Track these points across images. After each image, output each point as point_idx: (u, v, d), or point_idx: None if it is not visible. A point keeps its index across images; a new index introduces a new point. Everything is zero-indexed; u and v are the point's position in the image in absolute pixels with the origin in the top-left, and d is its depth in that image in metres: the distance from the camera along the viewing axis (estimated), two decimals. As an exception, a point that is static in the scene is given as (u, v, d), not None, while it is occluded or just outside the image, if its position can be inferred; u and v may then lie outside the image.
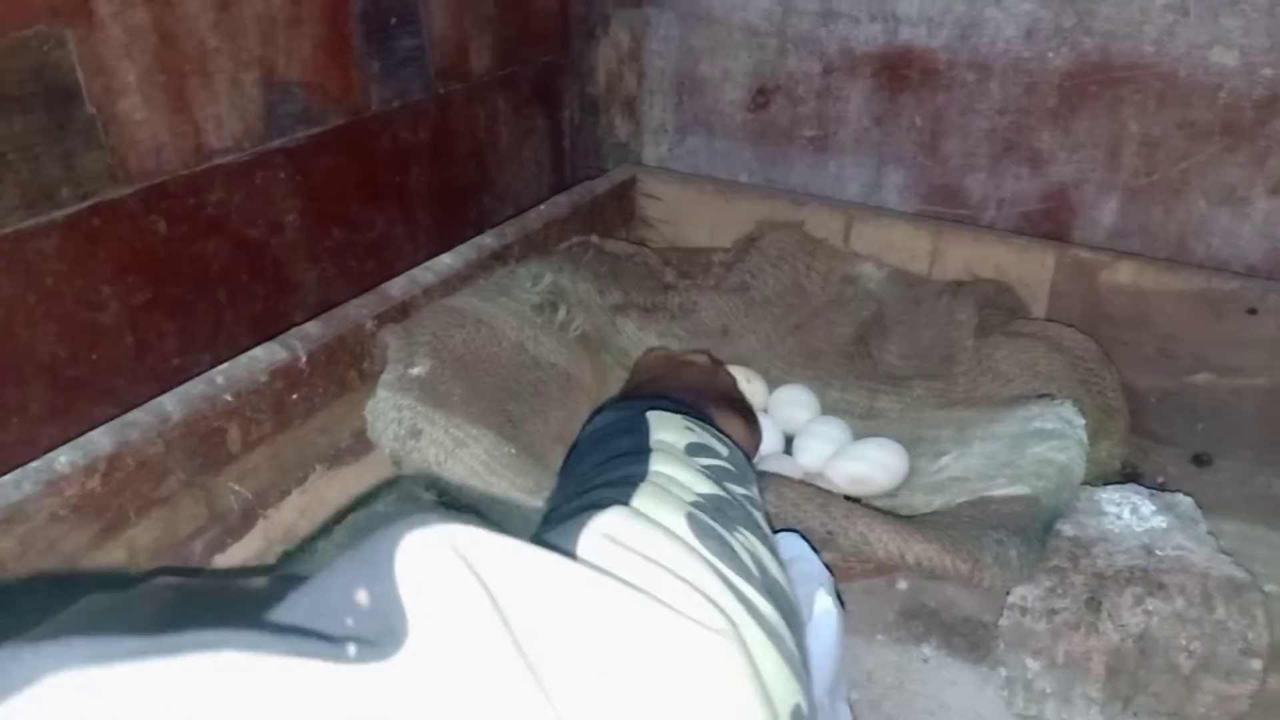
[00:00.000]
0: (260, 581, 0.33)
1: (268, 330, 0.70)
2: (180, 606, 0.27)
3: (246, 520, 0.65)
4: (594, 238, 0.95)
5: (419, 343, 0.71)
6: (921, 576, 0.62)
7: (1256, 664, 0.58)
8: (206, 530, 0.63)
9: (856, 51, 0.98)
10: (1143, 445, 0.84)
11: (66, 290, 0.64)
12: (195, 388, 0.62)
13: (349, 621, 0.22)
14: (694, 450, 0.45)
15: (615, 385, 0.83)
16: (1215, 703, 0.59)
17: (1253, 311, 0.81)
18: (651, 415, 0.48)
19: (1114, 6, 0.85)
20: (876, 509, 0.63)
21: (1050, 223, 0.95)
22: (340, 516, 0.67)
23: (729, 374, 0.74)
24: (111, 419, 0.59)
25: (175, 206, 0.70)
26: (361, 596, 0.23)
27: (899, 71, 0.97)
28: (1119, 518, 0.66)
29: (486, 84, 0.99)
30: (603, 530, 0.32)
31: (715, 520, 0.37)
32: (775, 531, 0.45)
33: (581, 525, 0.32)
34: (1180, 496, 0.68)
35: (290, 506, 0.67)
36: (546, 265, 0.85)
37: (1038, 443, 0.70)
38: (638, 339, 0.85)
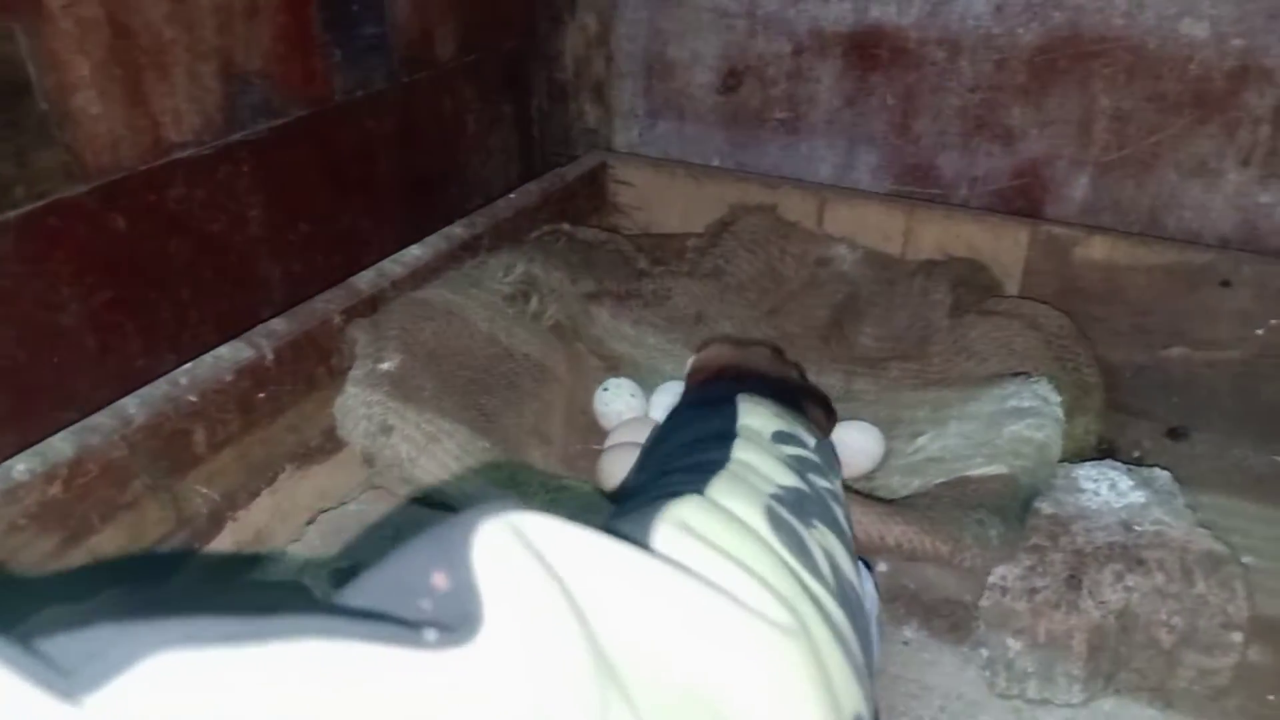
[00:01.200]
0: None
1: (234, 328, 0.68)
2: (244, 592, 0.27)
3: (215, 523, 0.64)
4: (565, 225, 0.94)
5: (388, 337, 0.70)
6: (901, 559, 0.62)
7: (1237, 637, 0.58)
8: (174, 535, 0.61)
9: (826, 31, 0.97)
10: (1118, 420, 0.84)
11: (24, 292, 0.62)
12: (159, 389, 0.61)
13: (424, 604, 0.23)
14: (780, 438, 0.44)
15: (590, 375, 0.82)
16: (1197, 676, 0.59)
17: (1226, 284, 0.81)
18: (741, 400, 0.47)
19: (1083, -20, 0.84)
20: (855, 491, 0.63)
21: (1023, 200, 0.94)
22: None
23: (796, 366, 0.73)
24: (73, 423, 0.57)
25: (135, 203, 0.69)
26: (439, 580, 0.23)
27: (869, 50, 0.96)
28: (1097, 494, 0.66)
29: (452, 71, 0.97)
30: (677, 520, 0.32)
31: (793, 515, 0.36)
32: None
33: (656, 514, 0.32)
34: (1158, 471, 0.68)
35: (260, 508, 0.66)
36: (518, 255, 0.84)
37: (1014, 421, 0.70)
38: (611, 327, 0.84)
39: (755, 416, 0.46)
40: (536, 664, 0.22)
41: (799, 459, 0.43)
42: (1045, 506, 0.64)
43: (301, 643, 0.19)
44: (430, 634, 0.21)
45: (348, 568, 0.61)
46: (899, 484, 0.69)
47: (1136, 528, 0.62)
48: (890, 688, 0.62)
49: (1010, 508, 0.62)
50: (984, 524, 0.60)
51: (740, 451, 0.41)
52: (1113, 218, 0.91)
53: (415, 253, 0.80)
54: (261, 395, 0.66)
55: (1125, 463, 0.69)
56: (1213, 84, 0.83)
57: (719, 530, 0.32)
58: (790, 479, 0.40)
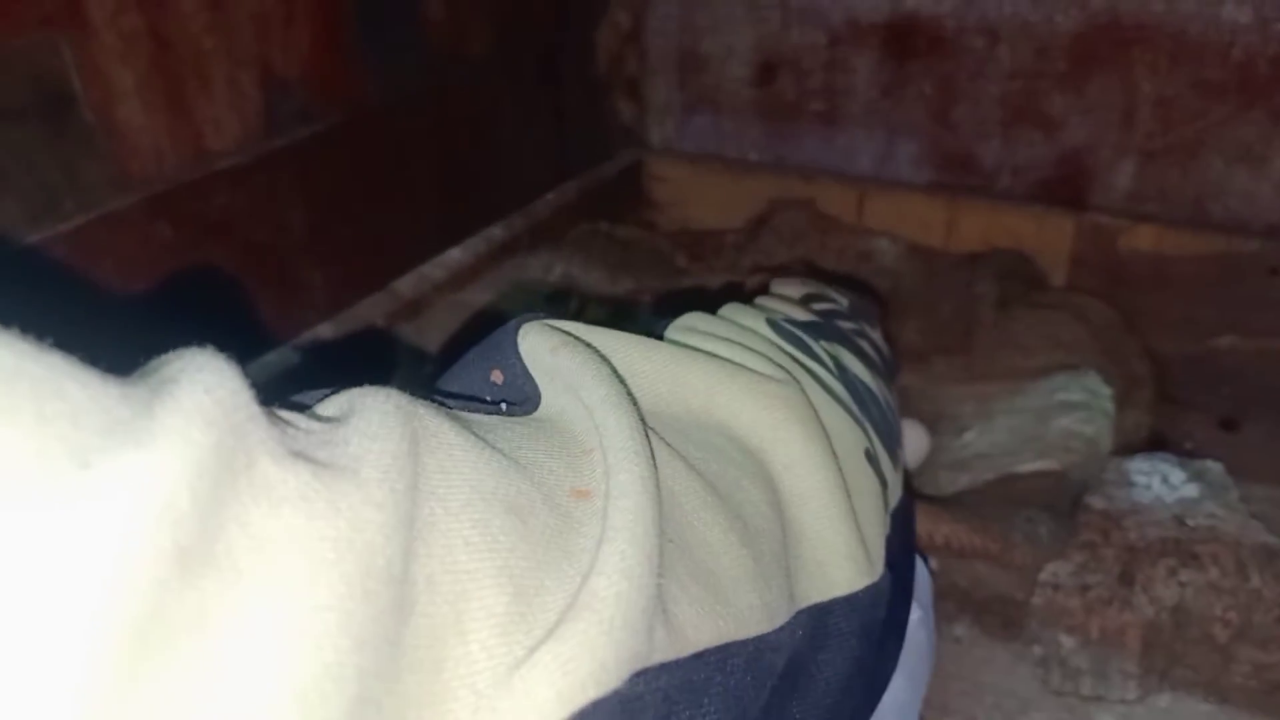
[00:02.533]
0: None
1: (279, 333, 0.69)
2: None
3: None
4: (603, 224, 0.94)
5: (432, 340, 0.70)
6: (951, 556, 0.62)
7: (1294, 632, 0.57)
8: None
9: (862, 21, 0.96)
10: (1169, 412, 0.83)
11: (75, 302, 0.63)
12: (208, 398, 0.62)
13: (488, 397, 0.28)
14: (810, 299, 0.48)
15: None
16: (1252, 672, 0.58)
17: (1275, 272, 0.80)
18: (775, 281, 0.52)
19: (1123, -35, 0.83)
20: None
21: (1066, 188, 0.93)
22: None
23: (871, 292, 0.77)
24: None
25: (180, 213, 0.69)
26: (495, 376, 0.28)
27: (906, 40, 0.95)
28: (1149, 488, 0.65)
29: (486, 70, 0.98)
30: (682, 324, 0.37)
31: (798, 329, 0.40)
32: None
33: (662, 324, 0.37)
34: (1210, 463, 0.67)
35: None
36: (557, 255, 0.84)
37: (1063, 415, 0.69)
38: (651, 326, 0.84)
39: (785, 287, 0.50)
40: (595, 416, 0.26)
41: (825, 310, 0.47)
42: (1096, 501, 0.63)
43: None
44: (503, 405, 0.28)
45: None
46: (946, 480, 0.69)
47: (1189, 522, 0.62)
48: (943, 686, 0.62)
49: (1061, 504, 0.61)
50: (1034, 521, 0.59)
51: (760, 300, 0.45)
52: (1158, 206, 0.89)
53: (456, 255, 0.81)
54: (310, 402, 0.66)
55: (1177, 455, 0.68)
56: (1257, 70, 0.81)
57: (718, 327, 0.37)
58: (806, 315, 0.44)
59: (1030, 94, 0.91)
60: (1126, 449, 0.73)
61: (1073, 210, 0.89)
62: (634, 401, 0.27)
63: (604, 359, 0.28)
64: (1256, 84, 0.81)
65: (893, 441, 0.42)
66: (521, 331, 0.28)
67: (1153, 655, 0.59)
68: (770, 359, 0.35)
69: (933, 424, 0.75)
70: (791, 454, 0.32)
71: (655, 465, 0.25)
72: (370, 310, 0.72)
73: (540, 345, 0.28)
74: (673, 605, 0.24)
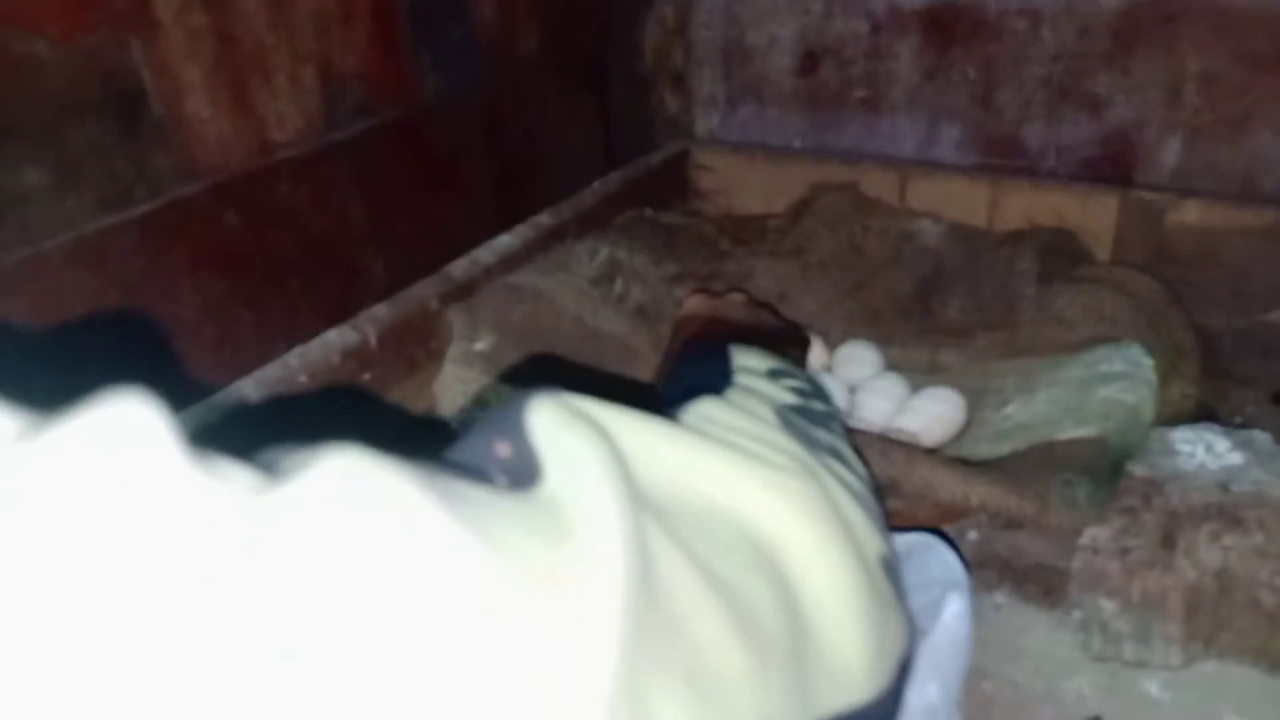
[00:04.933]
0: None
1: (340, 316, 0.72)
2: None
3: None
4: (648, 211, 0.96)
5: (482, 319, 0.73)
6: (987, 520, 0.62)
7: (1341, 595, 0.56)
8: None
9: (904, 8, 0.97)
10: (1220, 387, 0.82)
11: (146, 285, 0.67)
12: (272, 371, 0.65)
13: (493, 470, 0.27)
14: (776, 374, 0.48)
15: (676, 353, 0.83)
16: (1301, 637, 0.58)
17: (1327, 242, 0.79)
18: (732, 347, 0.51)
19: (1165, -60, 0.83)
20: (939, 455, 0.63)
21: (1112, 167, 0.93)
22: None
23: (769, 308, 0.76)
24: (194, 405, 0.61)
25: (245, 200, 0.73)
26: (501, 449, 0.28)
27: (947, 25, 0.95)
28: (1192, 456, 0.65)
29: (535, 68, 1.00)
30: (698, 412, 0.37)
31: (798, 417, 0.40)
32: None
33: (679, 412, 0.37)
34: (1257, 433, 0.66)
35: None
36: (602, 240, 0.86)
37: (1104, 385, 0.69)
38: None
39: (749, 358, 0.49)
40: (586, 501, 0.26)
41: (797, 389, 0.46)
42: (1138, 469, 0.63)
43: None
44: (502, 480, 0.27)
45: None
46: (988, 450, 0.69)
47: (1234, 488, 0.61)
48: (984, 653, 0.62)
49: (1100, 469, 0.62)
50: (1071, 484, 0.60)
51: (743, 379, 0.45)
52: (1207, 181, 0.88)
53: (505, 241, 0.83)
54: (367, 376, 0.69)
55: (1225, 427, 0.68)
56: (1305, 39, 0.81)
57: (735, 418, 0.37)
58: (793, 399, 0.43)
59: (1075, 74, 0.91)
60: (1174, 421, 0.72)
61: (1118, 187, 0.89)
62: (628, 486, 0.26)
63: (607, 439, 0.28)
64: (1302, 54, 0.81)
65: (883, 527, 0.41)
66: (532, 406, 0.28)
67: (1197, 620, 0.59)
68: (790, 454, 0.35)
69: (975, 399, 0.76)
70: (808, 553, 0.31)
71: (643, 555, 0.25)
72: (425, 291, 0.74)
73: (548, 421, 0.28)
74: (656, 707, 0.24)
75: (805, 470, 0.34)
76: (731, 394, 0.42)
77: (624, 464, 0.27)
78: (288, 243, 0.77)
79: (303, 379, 0.65)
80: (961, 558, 0.57)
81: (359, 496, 0.21)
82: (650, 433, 0.30)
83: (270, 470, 0.22)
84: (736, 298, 0.75)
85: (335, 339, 0.68)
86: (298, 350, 0.67)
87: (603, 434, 0.28)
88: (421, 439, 0.70)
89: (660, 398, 0.54)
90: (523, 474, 0.27)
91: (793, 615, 0.30)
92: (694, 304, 0.74)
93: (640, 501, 0.27)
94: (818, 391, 0.48)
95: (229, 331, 0.73)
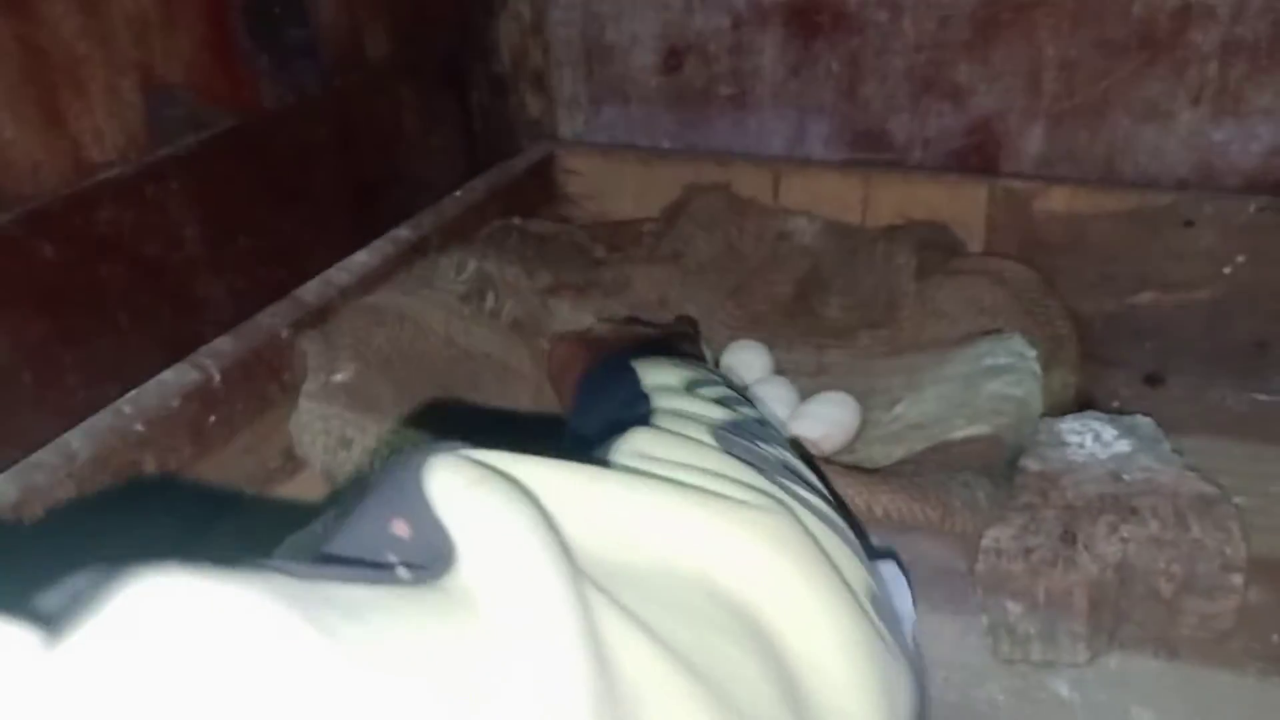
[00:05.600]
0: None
1: (178, 352, 0.65)
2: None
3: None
4: (516, 220, 0.92)
5: (340, 347, 0.67)
6: (891, 528, 0.60)
7: (1237, 579, 0.57)
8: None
9: (764, 2, 0.95)
10: (1093, 370, 0.83)
11: (-53, 331, 0.59)
12: (103, 420, 0.58)
13: (390, 557, 0.22)
14: (694, 385, 0.42)
15: (554, 369, 0.79)
16: (1199, 623, 0.58)
17: (1189, 224, 0.81)
18: (635, 363, 0.45)
19: (1020, -71, 0.83)
20: (838, 463, 0.61)
21: (978, 157, 0.93)
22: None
23: (640, 321, 0.72)
24: (14, 463, 0.54)
25: (61, 229, 0.65)
26: (399, 528, 0.22)
27: (809, 18, 0.94)
28: (1082, 446, 0.64)
29: (386, 71, 0.94)
30: (631, 450, 0.30)
31: (739, 435, 0.34)
32: None
33: (609, 449, 0.30)
34: (1140, 418, 0.67)
35: (221, 535, 0.63)
36: (469, 253, 0.81)
37: (991, 379, 0.68)
38: (573, 320, 0.81)
39: (658, 374, 0.43)
40: (515, 586, 0.21)
41: (722, 399, 0.41)
42: (1031, 463, 0.63)
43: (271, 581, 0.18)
44: (402, 572, 0.21)
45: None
46: (881, 454, 0.68)
47: (1126, 477, 0.61)
48: (891, 663, 0.60)
49: (996, 468, 0.61)
50: (971, 486, 0.58)
51: (662, 401, 0.39)
52: (1069, 168, 0.90)
53: (362, 259, 0.77)
54: (212, 419, 0.63)
55: (1105, 413, 0.68)
56: (1157, 25, 0.82)
57: (676, 449, 0.31)
58: (722, 413, 0.38)
59: (937, 65, 0.91)
60: (1056, 409, 0.72)
61: (986, 177, 0.89)
62: (566, 562, 0.22)
63: (530, 499, 0.23)
64: (1158, 40, 0.82)
65: (854, 539, 0.35)
66: (428, 468, 0.23)
67: (1100, 614, 0.58)
68: (746, 484, 0.29)
69: (864, 399, 0.74)
70: (795, 606, 0.26)
71: (598, 652, 0.20)
72: (273, 319, 0.68)
73: (452, 485, 0.22)
74: None
75: (771, 502, 0.28)
76: (658, 419, 0.35)
77: (556, 530, 0.22)
78: (114, 273, 0.69)
79: (139, 427, 0.58)
80: (896, 558, 0.55)
81: (185, 635, 0.16)
82: (582, 485, 0.25)
83: (64, 605, 0.17)
84: (600, 327, 0.71)
85: (173, 379, 0.61)
86: (131, 395, 0.59)
87: (524, 494, 0.23)
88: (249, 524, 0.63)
89: (573, 438, 0.49)
90: (429, 557, 0.21)
91: (785, 687, 0.25)
92: (561, 350, 0.68)
93: (582, 578, 0.22)
94: (741, 396, 0.43)
95: (50, 377, 0.65)
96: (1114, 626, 0.59)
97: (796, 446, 0.43)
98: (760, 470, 0.31)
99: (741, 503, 0.27)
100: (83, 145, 0.66)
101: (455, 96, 1.06)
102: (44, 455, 0.55)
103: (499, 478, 0.23)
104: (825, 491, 0.35)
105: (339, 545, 0.22)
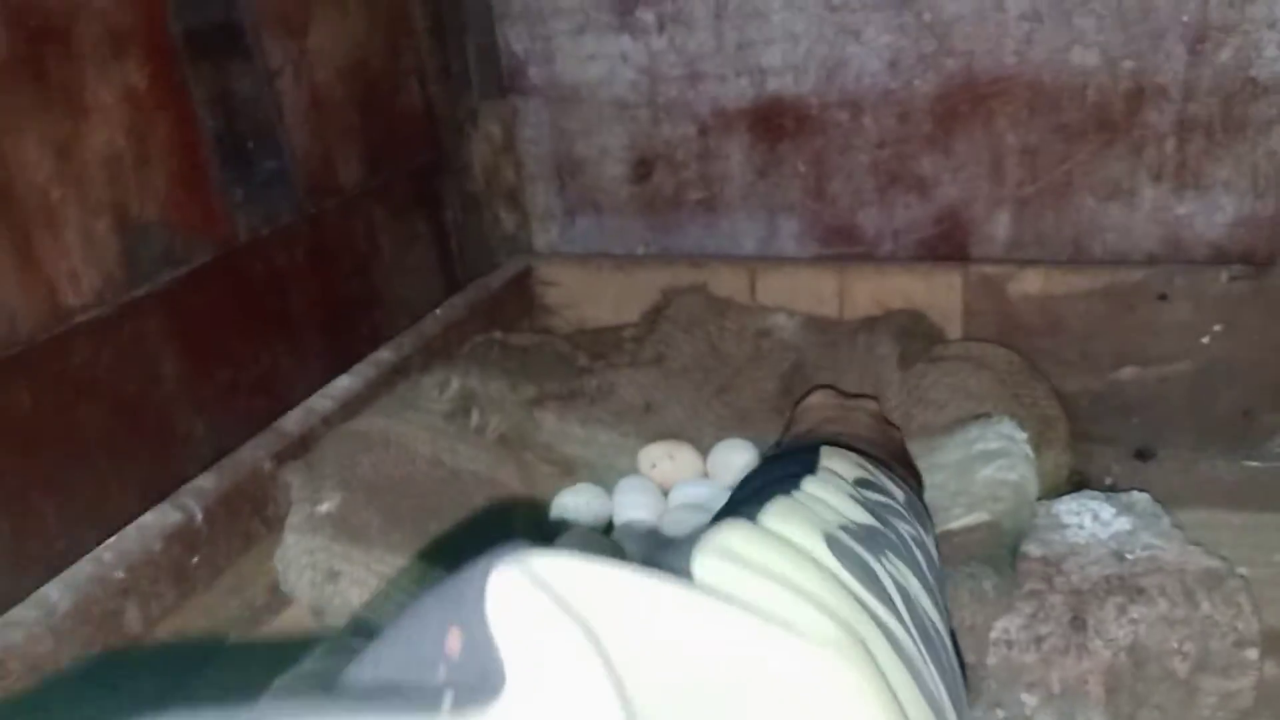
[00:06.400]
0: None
1: (159, 491, 0.64)
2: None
3: (160, 705, 0.58)
4: (497, 334, 0.92)
5: (324, 476, 0.66)
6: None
7: (1252, 653, 0.55)
8: (114, 726, 0.56)
9: (729, 109, 0.98)
10: (1084, 449, 0.83)
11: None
12: (82, 570, 0.56)
13: (441, 671, 0.21)
14: (862, 484, 0.42)
15: (542, 483, 0.78)
16: (1219, 702, 0.56)
17: (1163, 297, 0.82)
18: (825, 448, 0.45)
19: (971, 25, 0.86)
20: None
21: (947, 245, 0.94)
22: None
23: (898, 430, 0.72)
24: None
25: (36, 374, 0.64)
26: (453, 643, 0.21)
27: (773, 122, 0.96)
28: (1081, 527, 0.64)
29: (360, 195, 0.95)
30: (719, 548, 0.29)
31: (861, 546, 0.34)
32: None
33: (698, 544, 0.29)
34: (1136, 494, 0.66)
35: (208, 680, 0.61)
36: (452, 370, 0.81)
37: (985, 465, 0.68)
38: (559, 430, 0.81)
39: (839, 463, 0.44)
40: None
41: (880, 504, 0.40)
42: (1033, 548, 0.62)
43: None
44: (447, 698, 0.20)
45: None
46: (880, 548, 0.67)
47: (1129, 556, 0.60)
48: (908, 767, 0.58)
49: (999, 555, 0.60)
50: (976, 576, 0.57)
51: (811, 486, 0.38)
52: (1039, 250, 0.91)
53: (344, 384, 0.77)
54: (195, 560, 0.61)
55: (1100, 491, 0.68)
56: (1112, 108, 0.84)
57: (767, 554, 0.30)
58: (864, 517, 0.37)
59: (900, 158, 0.93)
60: (1051, 491, 0.72)
61: (959, 264, 0.90)
62: (616, 694, 0.20)
63: (594, 641, 0.21)
64: (1114, 122, 0.84)
65: (961, 703, 0.34)
66: (493, 579, 0.21)
67: (1117, 701, 0.57)
68: (828, 608, 0.28)
69: (858, 493, 0.73)
70: None
71: None
72: (255, 451, 0.67)
73: (515, 609, 0.21)
74: None
75: (841, 633, 0.27)
76: (775, 509, 0.34)
77: (608, 658, 0.21)
78: (91, 414, 0.68)
79: (119, 574, 0.56)
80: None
81: None
82: (644, 613, 0.23)
83: None
84: (870, 405, 0.72)
85: (154, 521, 0.60)
86: (111, 541, 0.58)
87: (588, 635, 0.21)
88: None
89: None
90: (477, 678, 0.20)
91: None
92: (818, 401, 0.71)
93: (630, 709, 0.20)
94: (912, 510, 0.43)
95: (27, 525, 0.63)
96: (1132, 712, 0.57)
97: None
98: (856, 594, 0.31)
99: (809, 640, 0.26)
100: (59, 289, 0.66)
101: (430, 216, 1.07)
102: (21, 611, 0.54)
103: (559, 607, 0.22)
104: (940, 626, 0.35)
105: (388, 649, 0.22)
